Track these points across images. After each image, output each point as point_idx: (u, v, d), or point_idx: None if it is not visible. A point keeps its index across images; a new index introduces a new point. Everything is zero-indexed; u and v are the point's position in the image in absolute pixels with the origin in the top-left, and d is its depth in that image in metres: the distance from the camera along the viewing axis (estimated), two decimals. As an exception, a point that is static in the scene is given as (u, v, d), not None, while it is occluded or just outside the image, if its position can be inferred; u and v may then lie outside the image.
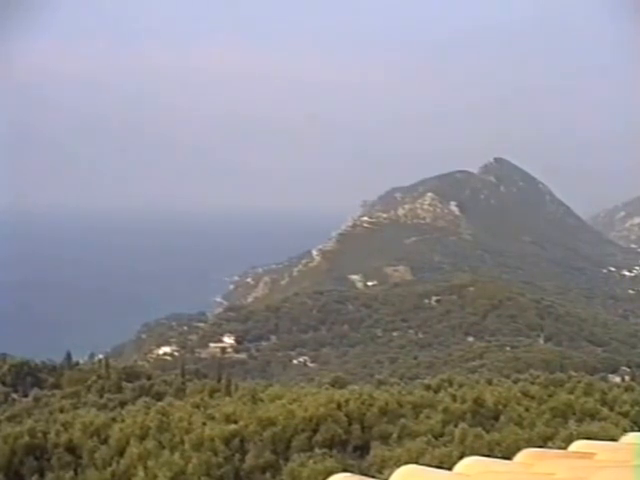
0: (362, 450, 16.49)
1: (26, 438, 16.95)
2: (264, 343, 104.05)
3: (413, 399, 19.76)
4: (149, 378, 34.79)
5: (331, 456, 15.39)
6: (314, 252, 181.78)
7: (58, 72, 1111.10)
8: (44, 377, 35.54)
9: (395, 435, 16.88)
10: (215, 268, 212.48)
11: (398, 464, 3.25)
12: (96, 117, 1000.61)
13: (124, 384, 32.08)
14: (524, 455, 3.04)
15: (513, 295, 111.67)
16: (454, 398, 19.78)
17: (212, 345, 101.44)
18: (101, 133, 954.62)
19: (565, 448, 3.34)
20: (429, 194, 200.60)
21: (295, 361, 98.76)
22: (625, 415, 19.07)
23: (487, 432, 16.46)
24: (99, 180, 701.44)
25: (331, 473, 2.97)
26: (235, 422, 17.13)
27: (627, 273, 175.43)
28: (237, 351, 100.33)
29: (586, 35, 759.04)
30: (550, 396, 20.63)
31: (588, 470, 2.70)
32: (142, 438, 16.73)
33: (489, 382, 27.58)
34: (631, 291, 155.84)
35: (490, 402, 19.01)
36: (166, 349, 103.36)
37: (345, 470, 8.41)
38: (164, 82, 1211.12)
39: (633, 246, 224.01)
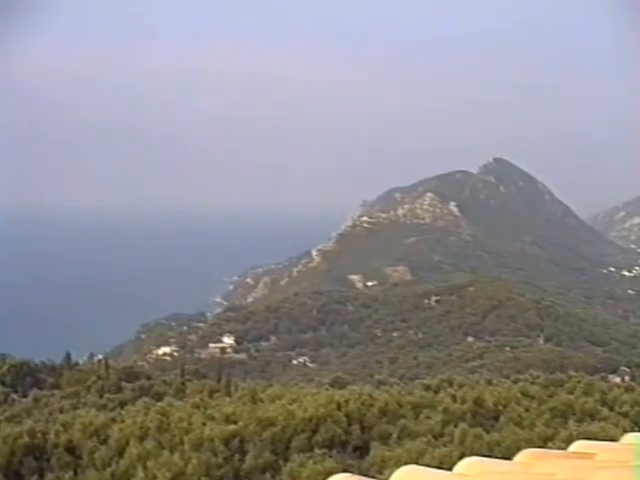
0: (362, 450, 16.48)
1: (26, 438, 16.93)
2: (264, 343, 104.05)
3: (413, 399, 19.75)
4: (149, 378, 34.77)
5: (331, 456, 15.38)
6: (314, 252, 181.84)
7: (58, 72, 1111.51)
8: (44, 377, 35.51)
9: (395, 435, 16.87)
10: (215, 268, 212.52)
11: (398, 464, 3.24)
12: (96, 117, 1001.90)
13: (124, 384, 32.07)
14: (524, 455, 3.04)
15: (513, 295, 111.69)
16: (454, 398, 19.76)
17: (212, 345, 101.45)
18: (101, 133, 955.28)
19: (565, 448, 3.33)
20: (429, 194, 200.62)
21: (295, 361, 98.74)
22: (625, 415, 19.06)
23: (487, 432, 16.45)
24: (99, 180, 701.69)
25: (331, 473, 2.96)
26: (235, 422, 17.12)
27: (627, 273, 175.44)
28: (237, 351, 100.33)
29: (586, 35, 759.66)
30: (550, 396, 20.63)
31: (588, 470, 2.69)
32: (142, 438, 16.72)
33: (489, 382, 27.57)
34: (631, 291, 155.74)
35: (490, 402, 19.00)
36: (166, 349, 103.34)
37: (345, 470, 8.39)
38: (164, 82, 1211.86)
39: (633, 246, 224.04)
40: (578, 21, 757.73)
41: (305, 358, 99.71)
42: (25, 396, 31.49)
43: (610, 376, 61.16)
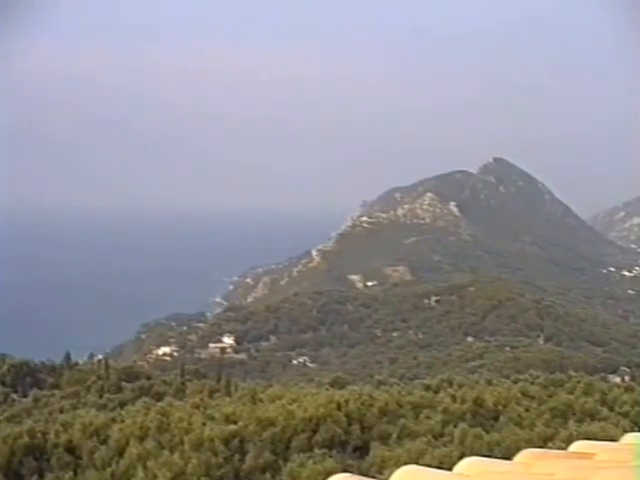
0: (362, 450, 16.48)
1: (25, 438, 16.93)
2: (264, 343, 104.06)
3: (413, 399, 19.75)
4: (149, 378, 34.78)
5: (331, 456, 15.38)
6: (314, 252, 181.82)
7: (58, 72, 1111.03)
8: (43, 377, 35.53)
9: (395, 435, 16.87)
10: (215, 268, 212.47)
11: (398, 464, 3.24)
12: (96, 117, 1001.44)
13: (124, 384, 32.08)
14: (524, 455, 3.04)
15: (513, 295, 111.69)
16: (454, 398, 19.77)
17: (212, 345, 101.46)
18: (101, 133, 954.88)
19: (565, 448, 3.33)
20: (428, 194, 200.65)
21: (295, 361, 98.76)
22: (625, 415, 19.07)
23: (487, 432, 16.45)
24: (99, 180, 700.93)
25: (331, 473, 2.96)
26: (235, 422, 17.12)
27: (627, 273, 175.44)
28: (237, 351, 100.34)
29: (586, 35, 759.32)
30: (550, 396, 20.63)
31: (588, 470, 2.69)
32: (142, 438, 16.72)
33: (489, 382, 27.57)
34: (631, 291, 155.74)
35: (490, 402, 19.00)
36: (166, 349, 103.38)
37: (345, 470, 8.39)
38: (164, 82, 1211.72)
39: (633, 246, 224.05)
40: (578, 21, 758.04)
41: (305, 358, 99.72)
42: (25, 396, 31.50)
43: (610, 376, 61.20)
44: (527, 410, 18.63)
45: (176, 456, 15.26)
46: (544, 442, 14.52)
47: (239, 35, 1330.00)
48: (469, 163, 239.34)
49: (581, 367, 59.67)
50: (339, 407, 17.83)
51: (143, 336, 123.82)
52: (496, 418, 18.12)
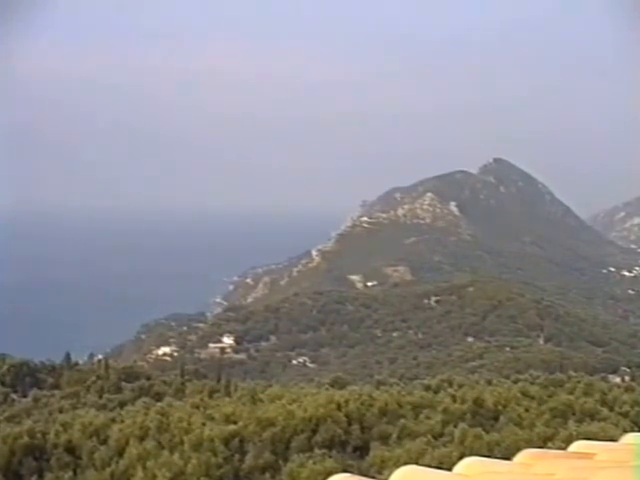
0: (362, 450, 16.47)
1: (25, 438, 16.91)
2: (263, 343, 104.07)
3: (413, 399, 19.74)
4: (148, 378, 34.77)
5: (330, 456, 15.37)
6: (314, 252, 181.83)
7: (58, 72, 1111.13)
8: (43, 377, 35.54)
9: (395, 435, 16.85)
10: (215, 268, 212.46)
11: (398, 464, 3.24)
12: (96, 117, 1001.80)
13: (123, 384, 32.07)
14: (524, 455, 3.03)
15: (513, 295, 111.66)
16: (454, 398, 19.76)
17: (211, 345, 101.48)
18: (101, 133, 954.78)
19: (565, 448, 3.33)
20: (429, 194, 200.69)
21: (295, 361, 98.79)
22: (625, 415, 19.06)
23: (487, 432, 16.43)
24: (99, 180, 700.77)
25: (331, 474, 2.96)
26: (234, 422, 17.10)
27: (627, 273, 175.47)
28: (236, 351, 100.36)
29: (586, 35, 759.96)
30: (550, 396, 20.62)
31: (588, 470, 2.69)
32: (141, 438, 16.71)
33: (489, 382, 27.56)
34: (631, 291, 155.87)
35: (490, 402, 18.99)
36: (165, 349, 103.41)
37: (345, 471, 8.37)
38: (164, 82, 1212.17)
39: (633, 246, 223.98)
40: (578, 21, 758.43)
41: (305, 358, 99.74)
42: (25, 396, 31.50)
43: (610, 376, 61.09)
44: (527, 410, 18.62)
45: (176, 456, 15.25)
46: (544, 442, 14.50)
47: (239, 35, 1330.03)
48: (469, 163, 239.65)
49: (581, 367, 59.55)
50: (339, 407, 17.82)
51: (143, 336, 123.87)
52: (496, 418, 18.11)
